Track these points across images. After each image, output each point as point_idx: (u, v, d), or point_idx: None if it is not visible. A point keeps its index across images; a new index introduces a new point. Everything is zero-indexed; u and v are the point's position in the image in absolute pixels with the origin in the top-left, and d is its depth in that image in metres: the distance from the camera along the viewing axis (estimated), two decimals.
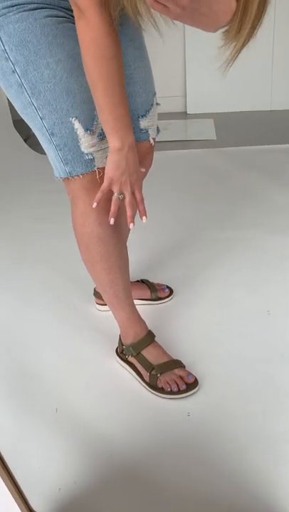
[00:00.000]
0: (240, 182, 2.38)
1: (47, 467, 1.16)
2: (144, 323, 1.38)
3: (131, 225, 1.10)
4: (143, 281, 1.65)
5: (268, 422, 1.21)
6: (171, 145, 2.83)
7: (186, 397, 1.28)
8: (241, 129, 3.03)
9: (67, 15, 1.03)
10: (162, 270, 1.79)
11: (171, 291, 1.66)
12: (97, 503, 1.08)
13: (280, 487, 1.07)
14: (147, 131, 1.23)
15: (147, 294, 1.62)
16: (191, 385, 1.29)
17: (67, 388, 1.35)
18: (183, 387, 1.28)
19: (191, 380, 1.29)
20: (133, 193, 1.09)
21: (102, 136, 1.09)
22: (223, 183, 2.39)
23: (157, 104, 1.25)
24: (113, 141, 1.02)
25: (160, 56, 3.08)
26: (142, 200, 1.11)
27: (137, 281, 1.65)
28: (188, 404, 1.27)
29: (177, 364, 1.32)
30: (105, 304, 1.51)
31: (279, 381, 1.31)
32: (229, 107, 3.27)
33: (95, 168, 1.11)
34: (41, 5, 1.00)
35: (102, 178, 1.11)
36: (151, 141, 1.26)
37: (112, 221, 1.10)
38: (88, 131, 1.07)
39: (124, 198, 1.08)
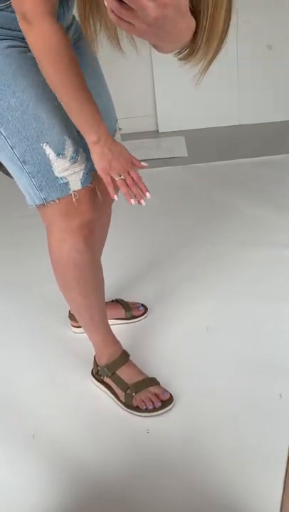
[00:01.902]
0: (212, 197, 2.42)
1: (20, 494, 1.16)
2: (118, 343, 1.40)
3: (132, 201, 1.08)
4: (118, 301, 1.67)
5: (244, 434, 1.23)
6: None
7: (162, 413, 1.29)
8: (211, 145, 3.09)
9: (27, 45, 1.06)
10: (137, 288, 1.81)
11: (145, 310, 1.68)
12: None
13: (267, 499, 1.08)
14: None
15: (122, 313, 1.63)
16: (166, 401, 1.31)
17: (44, 412, 1.36)
18: (158, 404, 1.29)
19: (166, 397, 1.31)
20: (128, 174, 1.09)
21: (74, 160, 1.10)
22: (197, 199, 2.43)
23: (120, 129, 1.28)
24: (90, 136, 1.04)
25: (129, 77, 3.14)
26: (140, 179, 1.10)
27: (112, 301, 1.66)
28: (163, 421, 1.28)
29: (152, 382, 1.34)
30: (80, 326, 1.52)
31: (257, 394, 1.33)
32: (199, 124, 3.33)
33: (71, 192, 1.11)
34: (2, 36, 1.03)
35: (78, 200, 1.12)
36: None
37: (115, 197, 1.08)
38: (60, 156, 1.08)
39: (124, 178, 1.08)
